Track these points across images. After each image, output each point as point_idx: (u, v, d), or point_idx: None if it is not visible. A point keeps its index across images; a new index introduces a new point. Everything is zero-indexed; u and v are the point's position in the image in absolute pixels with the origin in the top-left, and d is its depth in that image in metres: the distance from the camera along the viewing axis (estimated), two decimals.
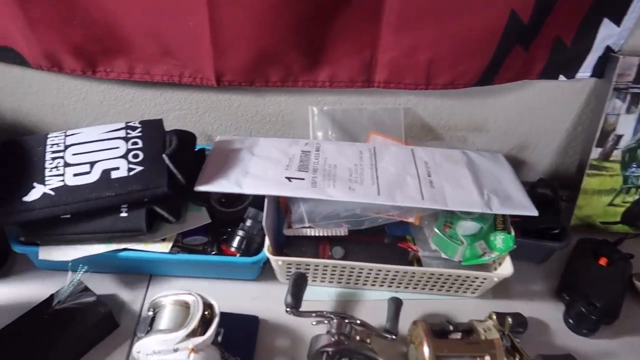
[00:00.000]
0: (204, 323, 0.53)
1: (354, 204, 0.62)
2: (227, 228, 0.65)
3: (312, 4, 0.61)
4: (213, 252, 0.63)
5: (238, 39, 0.64)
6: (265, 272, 0.67)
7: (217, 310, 0.54)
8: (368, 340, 0.57)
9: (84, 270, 0.58)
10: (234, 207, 0.66)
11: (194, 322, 0.52)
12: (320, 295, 0.66)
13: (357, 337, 0.57)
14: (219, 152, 0.67)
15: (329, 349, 0.55)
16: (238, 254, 0.63)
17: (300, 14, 0.62)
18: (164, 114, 0.76)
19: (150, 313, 0.56)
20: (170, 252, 0.61)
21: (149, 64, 0.68)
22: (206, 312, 0.53)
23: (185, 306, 0.55)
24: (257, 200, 0.65)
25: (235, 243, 0.63)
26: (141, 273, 0.65)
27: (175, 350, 0.51)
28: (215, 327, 0.53)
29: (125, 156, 0.59)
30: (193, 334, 0.52)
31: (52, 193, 0.56)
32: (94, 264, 0.59)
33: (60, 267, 0.63)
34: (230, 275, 0.66)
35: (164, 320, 0.54)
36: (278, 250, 0.63)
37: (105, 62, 0.67)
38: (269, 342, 0.61)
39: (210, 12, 0.61)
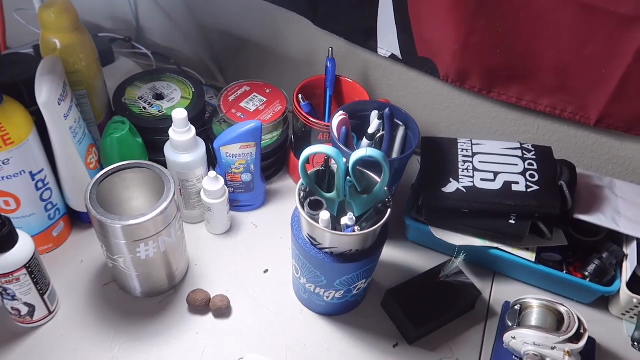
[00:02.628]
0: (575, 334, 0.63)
1: None
2: (579, 253, 0.73)
3: None
4: (564, 271, 0.72)
5: None
6: (597, 301, 0.74)
7: (586, 326, 0.63)
8: None
9: (464, 255, 0.70)
10: (590, 237, 0.73)
11: (573, 330, 0.62)
12: None
13: None
14: (583, 185, 0.75)
15: None
16: (587, 279, 0.71)
17: None
18: (518, 135, 0.86)
19: (517, 308, 0.67)
20: (534, 262, 0.71)
21: (539, 94, 0.78)
22: (580, 326, 0.63)
23: (554, 312, 0.65)
24: (610, 235, 0.72)
25: (590, 269, 0.71)
26: (489, 268, 0.77)
27: (553, 348, 0.61)
28: (586, 340, 0.62)
29: (523, 174, 0.70)
30: (569, 340, 0.61)
31: (464, 190, 0.69)
32: (468, 253, 0.71)
33: (428, 246, 0.78)
34: (568, 294, 0.74)
35: (535, 318, 0.65)
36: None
37: (503, 86, 0.79)
38: None
39: (631, 66, 0.68)
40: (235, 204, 0.79)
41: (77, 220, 0.75)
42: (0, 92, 0.58)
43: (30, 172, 0.62)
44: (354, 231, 0.57)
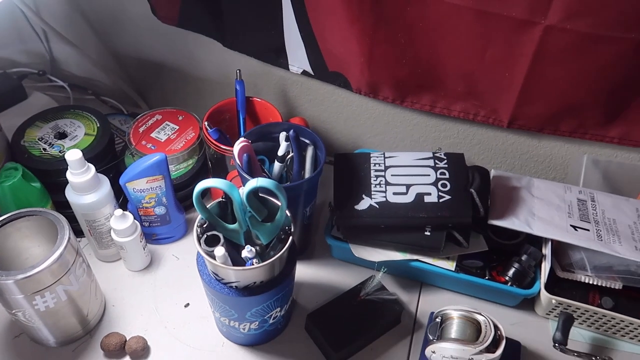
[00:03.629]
0: (492, 342, 0.62)
1: (630, 261, 0.66)
2: (501, 257, 0.73)
3: (630, 74, 0.65)
4: (486, 277, 0.72)
5: (547, 92, 0.70)
6: (523, 302, 0.73)
7: (503, 333, 0.63)
8: None
9: (385, 271, 0.70)
10: (510, 241, 0.73)
11: (488, 340, 0.61)
12: (576, 336, 0.71)
13: None
14: (500, 187, 0.75)
15: None
16: (509, 283, 0.71)
17: (616, 81, 0.66)
18: (440, 140, 0.86)
19: (438, 320, 0.66)
20: (454, 270, 0.70)
21: (451, 100, 0.78)
22: (497, 333, 0.62)
23: (473, 322, 0.64)
24: (530, 238, 0.72)
25: (510, 273, 0.70)
26: (415, 279, 0.76)
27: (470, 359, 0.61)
28: (503, 348, 0.62)
29: (435, 184, 0.69)
30: (487, 349, 0.61)
31: (377, 206, 0.68)
32: (387, 267, 0.71)
33: (353, 262, 0.76)
34: (493, 299, 0.73)
35: (454, 330, 0.65)
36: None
37: (414, 95, 0.78)
38: None
39: (531, 68, 0.68)
40: (153, 238, 0.77)
41: None
42: None
43: None
44: (252, 264, 0.56)
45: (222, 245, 0.56)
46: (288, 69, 0.83)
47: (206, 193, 0.81)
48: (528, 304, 0.73)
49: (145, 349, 0.66)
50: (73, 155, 0.63)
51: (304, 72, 0.82)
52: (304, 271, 0.76)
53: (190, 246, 0.79)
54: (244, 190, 0.56)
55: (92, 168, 0.66)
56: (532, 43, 0.66)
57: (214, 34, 0.83)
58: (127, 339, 0.66)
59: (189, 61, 0.92)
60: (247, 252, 0.56)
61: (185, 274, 0.75)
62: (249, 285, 0.58)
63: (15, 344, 0.67)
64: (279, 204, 0.59)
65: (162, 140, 0.77)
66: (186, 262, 0.77)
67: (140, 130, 0.78)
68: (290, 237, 0.58)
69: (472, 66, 0.72)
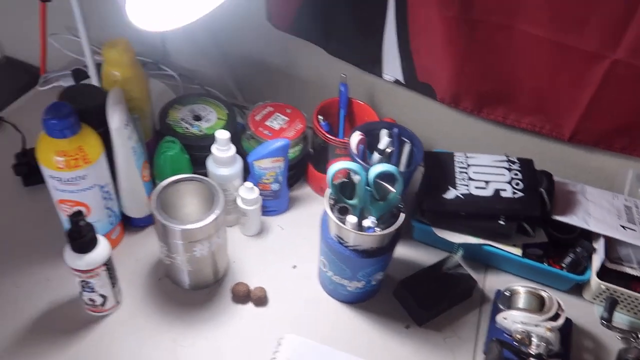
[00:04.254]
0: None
1: None
2: (557, 248, 0.87)
3: None
4: (545, 264, 0.86)
5: (606, 113, 0.84)
6: (573, 287, 0.87)
7: (563, 306, 0.77)
8: None
9: (462, 251, 0.84)
10: (566, 235, 0.87)
11: (552, 310, 0.75)
12: (617, 318, 0.85)
13: None
14: (560, 191, 0.89)
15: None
16: (564, 270, 0.85)
17: None
18: (507, 147, 1.00)
19: (507, 293, 0.80)
20: (520, 256, 0.84)
21: (521, 114, 0.92)
22: (559, 307, 0.76)
23: (537, 296, 0.78)
24: (583, 234, 0.86)
25: (566, 262, 0.84)
26: (482, 262, 0.90)
27: (537, 325, 0.75)
28: (563, 319, 0.76)
29: (510, 182, 0.84)
30: (550, 319, 0.75)
31: (462, 197, 0.83)
32: (464, 249, 0.85)
33: (430, 244, 0.91)
34: (549, 283, 0.87)
35: (522, 302, 0.79)
36: None
37: (490, 107, 0.93)
38: (580, 343, 0.82)
39: (596, 92, 0.82)
40: (264, 210, 0.91)
41: (128, 225, 0.86)
42: (79, 120, 0.69)
43: (100, 185, 0.74)
44: (374, 231, 0.70)
45: (352, 214, 0.71)
46: (381, 77, 0.97)
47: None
48: (576, 290, 0.87)
49: (265, 298, 0.80)
50: (222, 135, 0.78)
51: (396, 81, 0.96)
52: None
53: (293, 218, 0.93)
54: (371, 172, 0.70)
55: (234, 147, 0.80)
56: (600, 73, 0.80)
57: (320, 42, 0.98)
58: (252, 288, 0.80)
59: (290, 62, 1.06)
60: (370, 222, 0.71)
61: (290, 241, 0.89)
62: (366, 249, 0.72)
63: (158, 284, 0.81)
64: (390, 187, 0.74)
65: (276, 129, 0.91)
66: (290, 232, 0.91)
67: (256, 118, 0.92)
68: (402, 213, 0.72)
69: (544, 86, 0.86)
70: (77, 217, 0.63)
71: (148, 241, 0.85)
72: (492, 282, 0.88)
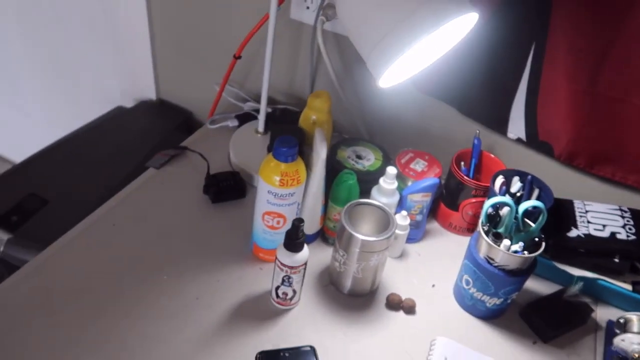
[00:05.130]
0: None
1: None
2: None
3: None
4: None
5: None
6: None
7: None
8: None
9: (580, 283, 0.98)
10: None
11: None
12: None
13: None
14: None
15: None
16: None
17: None
18: (613, 200, 1.15)
19: (622, 321, 0.94)
20: (631, 290, 0.99)
21: (628, 172, 1.08)
22: None
23: None
24: None
25: None
26: (594, 296, 1.04)
27: None
28: None
29: (623, 227, 0.99)
30: None
31: (582, 236, 0.99)
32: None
33: (548, 277, 1.05)
34: None
35: (636, 327, 0.92)
36: None
37: (601, 164, 1.09)
38: None
39: None
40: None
41: None
42: (300, 150, 0.89)
43: (297, 203, 0.94)
44: (523, 254, 0.87)
45: (506, 239, 0.88)
46: (506, 135, 1.16)
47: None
48: None
49: (415, 307, 0.96)
50: (391, 170, 0.97)
51: (518, 139, 1.15)
52: None
53: (426, 246, 1.10)
54: (521, 206, 0.87)
55: (396, 182, 1.00)
56: None
57: (455, 104, 1.18)
58: (403, 299, 0.97)
59: (423, 118, 1.26)
60: (518, 246, 0.87)
61: (427, 264, 1.06)
62: (512, 269, 0.88)
63: (324, 289, 0.99)
64: (529, 222, 0.91)
65: (419, 171, 1.10)
66: (426, 257, 1.08)
67: (402, 161, 1.12)
68: (543, 242, 0.88)
69: None
70: (299, 222, 0.82)
71: (315, 254, 1.04)
72: (603, 314, 1.02)
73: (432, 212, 1.17)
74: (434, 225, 1.17)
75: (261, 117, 1.21)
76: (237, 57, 1.21)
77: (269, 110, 1.28)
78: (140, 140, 1.55)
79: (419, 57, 0.83)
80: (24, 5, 1.79)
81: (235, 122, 1.33)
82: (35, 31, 1.82)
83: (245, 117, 1.34)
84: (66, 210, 1.25)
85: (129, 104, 1.72)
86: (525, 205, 0.87)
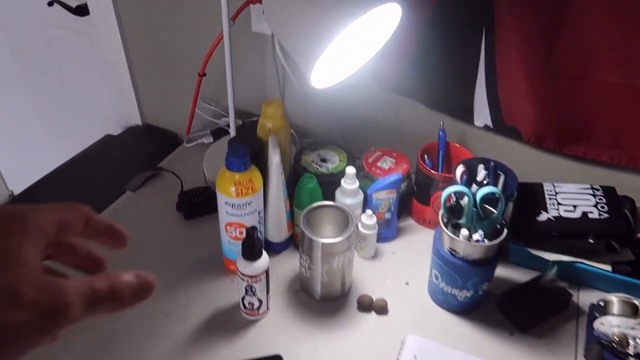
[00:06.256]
0: None
1: None
2: None
3: None
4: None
5: None
6: None
7: None
8: None
9: (556, 268, 0.96)
10: None
11: None
12: None
13: None
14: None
15: None
16: None
17: None
18: (586, 179, 1.12)
19: (602, 303, 0.91)
20: (610, 271, 0.95)
21: (600, 150, 1.05)
22: None
23: (630, 304, 0.89)
24: None
25: None
26: (574, 281, 1.01)
27: (633, 328, 0.85)
28: None
29: (595, 206, 0.96)
30: None
31: (553, 219, 0.96)
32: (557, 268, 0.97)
33: (524, 264, 1.03)
34: (638, 296, 0.97)
35: (616, 309, 0.89)
36: None
37: (571, 144, 1.07)
38: None
39: None
40: (377, 237, 1.08)
41: (267, 249, 1.05)
42: (251, 159, 0.90)
43: (257, 211, 0.94)
44: (484, 243, 0.85)
45: (464, 229, 0.86)
46: (473, 124, 1.14)
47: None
48: None
49: (386, 307, 0.95)
50: (350, 170, 0.97)
51: (485, 126, 1.13)
52: None
53: (401, 244, 1.09)
54: (478, 194, 0.86)
55: (357, 181, 0.99)
56: None
57: (420, 98, 1.17)
58: (374, 299, 0.95)
59: (392, 115, 1.26)
60: (478, 235, 0.86)
61: (400, 263, 1.05)
62: (475, 259, 0.86)
63: (295, 296, 0.98)
64: (491, 209, 0.89)
65: (386, 169, 1.09)
66: (399, 256, 1.07)
67: (369, 160, 1.11)
68: (505, 228, 0.86)
69: (619, 125, 1.00)
70: (252, 230, 0.83)
71: (285, 262, 1.04)
72: (585, 298, 0.98)
73: (407, 209, 1.16)
74: (409, 222, 1.15)
75: (232, 131, 1.23)
76: (201, 75, 1.23)
77: (240, 123, 1.29)
78: (128, 165, 1.58)
79: (351, 55, 0.83)
80: (18, 42, 1.87)
81: (210, 139, 1.34)
82: (33, 72, 1.91)
83: (220, 133, 1.36)
84: None
85: (117, 132, 1.76)
86: (481, 193, 0.85)
